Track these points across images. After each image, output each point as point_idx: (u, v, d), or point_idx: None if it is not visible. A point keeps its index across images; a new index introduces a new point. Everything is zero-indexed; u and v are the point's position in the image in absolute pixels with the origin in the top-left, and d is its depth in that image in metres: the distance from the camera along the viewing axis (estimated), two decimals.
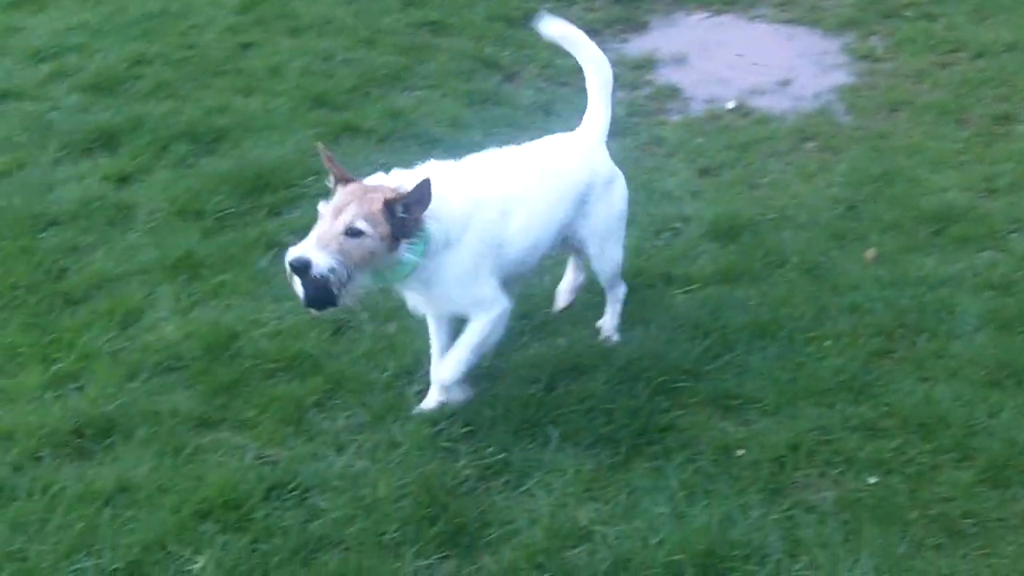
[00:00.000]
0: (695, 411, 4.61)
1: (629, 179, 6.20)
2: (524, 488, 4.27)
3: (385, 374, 4.83)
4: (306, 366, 4.89)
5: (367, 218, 4.14)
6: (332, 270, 4.09)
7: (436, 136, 6.87)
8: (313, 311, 4.26)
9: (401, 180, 4.30)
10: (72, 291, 5.41)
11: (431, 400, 4.66)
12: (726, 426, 4.54)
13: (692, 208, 6.04)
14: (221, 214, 6.00)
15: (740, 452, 4.38)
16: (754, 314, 5.11)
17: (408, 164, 4.46)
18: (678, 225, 5.93)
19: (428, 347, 4.74)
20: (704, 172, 6.57)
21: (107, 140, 6.72)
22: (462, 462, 4.39)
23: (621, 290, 5.07)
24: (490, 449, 4.43)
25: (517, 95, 7.44)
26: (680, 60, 8.07)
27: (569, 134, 4.98)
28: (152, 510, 4.18)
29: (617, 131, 6.83)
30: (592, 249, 4.88)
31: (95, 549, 4.03)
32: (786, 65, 7.98)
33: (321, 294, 4.13)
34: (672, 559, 3.90)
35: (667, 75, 7.83)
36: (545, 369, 4.80)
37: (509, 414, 4.56)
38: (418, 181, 4.19)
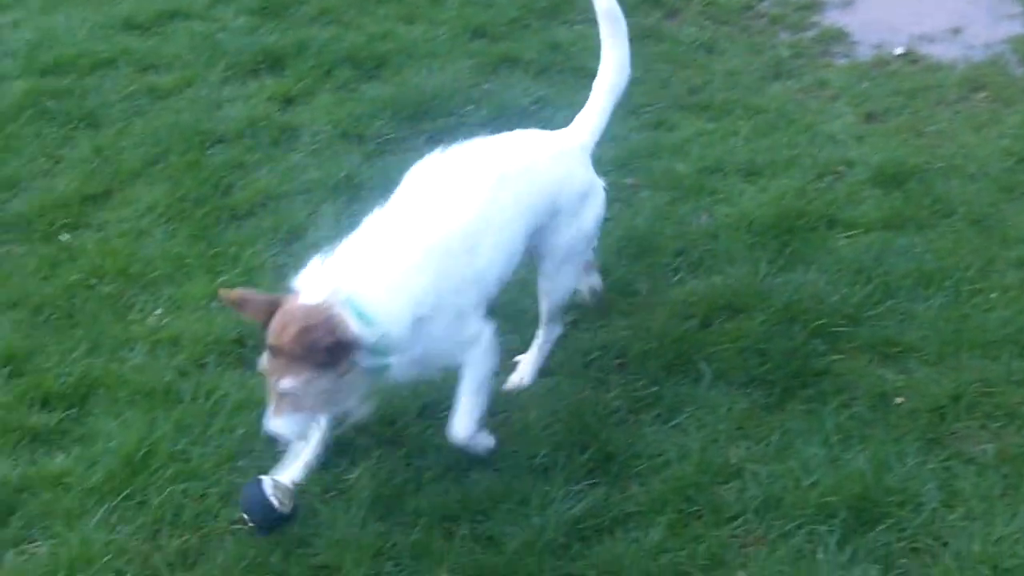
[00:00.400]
0: (853, 357, 4.52)
1: (791, 121, 6.16)
2: (675, 423, 4.25)
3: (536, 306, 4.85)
4: None
5: (288, 375, 3.62)
6: (295, 433, 3.77)
7: (594, 70, 6.79)
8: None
9: (342, 274, 3.72)
10: (238, 206, 5.56)
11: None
12: (884, 373, 4.45)
13: (856, 153, 5.88)
14: (381, 139, 6.07)
15: (899, 400, 4.29)
16: (918, 262, 4.97)
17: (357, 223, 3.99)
18: (841, 169, 5.78)
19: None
20: (869, 117, 6.38)
21: (273, 62, 6.83)
22: (613, 393, 4.40)
23: (556, 330, 4.48)
24: (641, 382, 4.43)
25: (678, 32, 7.31)
26: (848, 3, 7.83)
27: (551, 133, 4.41)
28: None
29: (780, 72, 6.77)
30: (546, 266, 4.29)
31: (255, 454, 4.17)
32: (958, 13, 7.66)
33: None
34: (825, 501, 3.85)
35: (834, 18, 7.60)
36: (700, 306, 4.76)
37: (662, 348, 4.54)
38: (292, 321, 3.59)
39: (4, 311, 4.96)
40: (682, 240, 5.13)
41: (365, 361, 3.69)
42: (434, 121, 6.23)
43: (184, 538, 3.91)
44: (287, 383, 3.62)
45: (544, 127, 6.08)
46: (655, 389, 4.40)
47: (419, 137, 6.09)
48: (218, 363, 4.61)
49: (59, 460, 4.23)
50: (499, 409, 4.32)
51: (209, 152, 6.01)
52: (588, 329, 4.71)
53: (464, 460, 4.09)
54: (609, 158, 5.84)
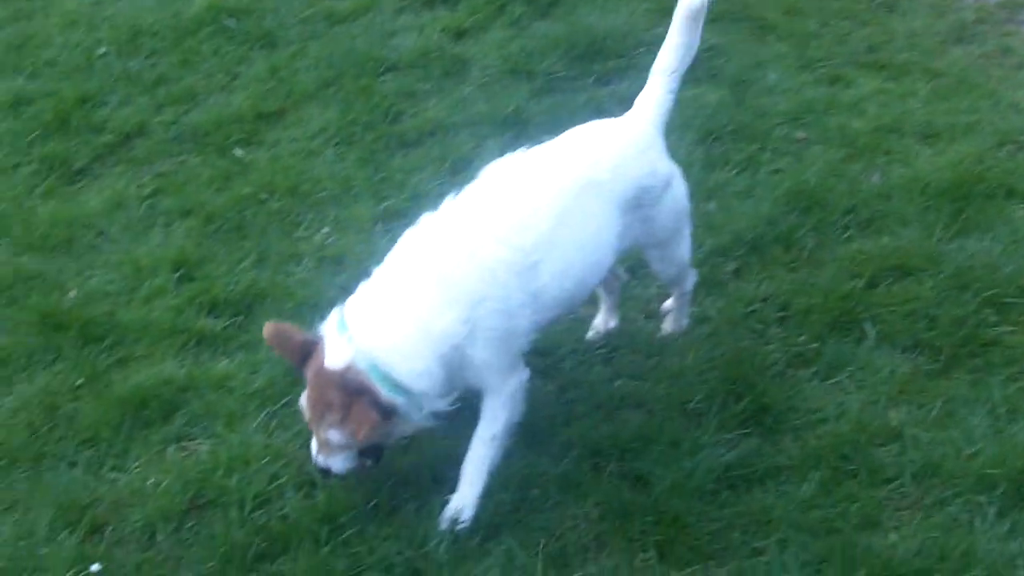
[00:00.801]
0: None
1: (973, 86, 5.93)
2: (834, 380, 4.17)
3: (701, 249, 4.79)
4: None
5: (335, 429, 3.60)
6: (347, 470, 3.72)
7: (769, 21, 6.67)
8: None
9: (361, 334, 3.57)
10: (406, 134, 5.62)
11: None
12: None
13: None
14: (551, 76, 6.05)
15: None
16: None
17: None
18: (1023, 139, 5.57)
19: (745, 228, 4.67)
20: None
21: None
22: (772, 346, 4.33)
23: (690, 281, 4.37)
24: (802, 338, 4.35)
25: None
26: None
27: (617, 121, 4.07)
28: None
29: (963, 36, 6.51)
30: (654, 254, 4.17)
31: None
32: None
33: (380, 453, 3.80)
34: (986, 472, 3.73)
35: None
36: (868, 265, 4.63)
37: (826, 305, 4.44)
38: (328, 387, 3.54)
39: (178, 218, 5.14)
40: (853, 198, 5.00)
41: (404, 415, 3.60)
42: (604, 62, 6.18)
43: None
44: (334, 436, 3.61)
45: (713, 76, 6.07)
46: (816, 346, 4.31)
47: (588, 77, 6.07)
48: None
49: (223, 364, 4.37)
50: (654, 351, 4.30)
51: (381, 79, 6.09)
52: (751, 280, 4.64)
53: (616, 398, 4.09)
54: (780, 111, 5.76)
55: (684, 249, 4.20)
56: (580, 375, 4.21)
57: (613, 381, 4.18)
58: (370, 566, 3.55)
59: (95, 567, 3.62)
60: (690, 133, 5.58)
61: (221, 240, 4.99)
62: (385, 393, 3.53)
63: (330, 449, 3.66)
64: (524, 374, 3.77)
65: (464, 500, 3.71)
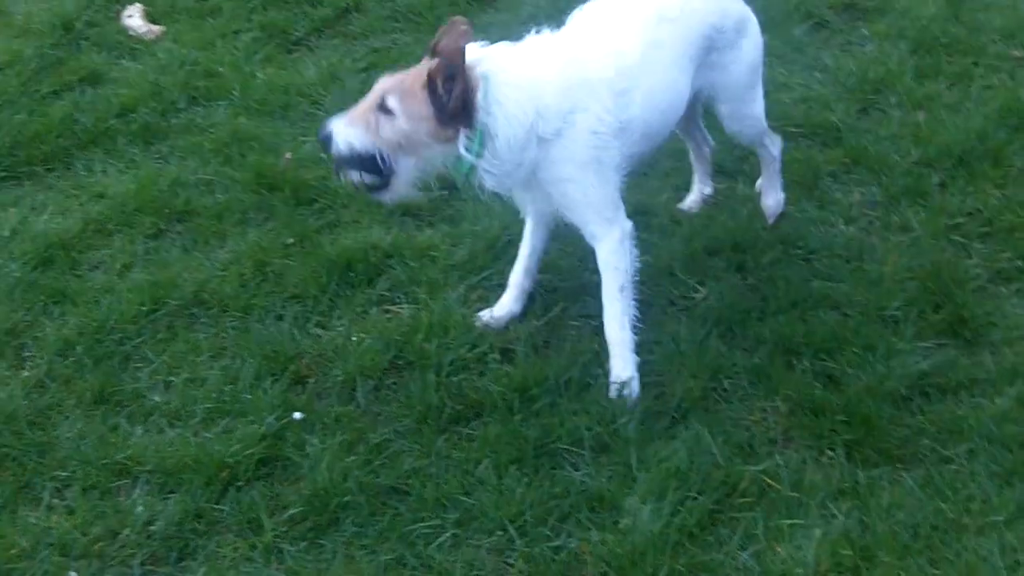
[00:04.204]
0: None
1: None
2: None
3: (907, 159, 4.72)
4: (828, 136, 4.89)
5: (401, 95, 3.61)
6: (351, 147, 3.63)
7: None
8: (374, 196, 3.84)
9: (496, 56, 3.66)
10: None
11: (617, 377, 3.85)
12: None
13: None
14: None
15: None
16: None
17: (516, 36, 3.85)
18: None
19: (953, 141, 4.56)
20: None
21: None
22: (973, 260, 4.28)
23: (775, 146, 4.36)
24: (1006, 255, 4.29)
25: None
26: None
27: None
28: (665, 237, 4.39)
29: None
30: (725, 108, 4.15)
31: None
32: None
33: (369, 176, 3.70)
34: None
35: None
36: None
37: None
38: (449, 51, 3.55)
39: None
40: None
41: (462, 143, 3.63)
42: None
43: (535, 323, 4.11)
44: (392, 101, 3.61)
45: None
46: (1020, 263, 4.24)
47: None
48: None
49: (427, 234, 4.51)
50: (852, 256, 4.28)
51: None
52: (956, 194, 4.56)
53: (812, 298, 4.09)
54: (996, 27, 5.58)
55: (758, 107, 4.21)
56: (777, 272, 4.21)
57: (809, 282, 4.17)
58: (559, 438, 3.66)
59: (297, 415, 3.80)
60: (903, 43, 5.47)
61: None
62: (480, 97, 3.57)
63: (362, 118, 3.63)
64: (627, 224, 3.82)
65: (622, 366, 3.81)
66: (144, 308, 4.22)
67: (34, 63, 5.62)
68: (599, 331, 3.98)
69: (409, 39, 5.67)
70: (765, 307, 4.08)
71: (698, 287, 4.19)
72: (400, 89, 3.63)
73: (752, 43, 4.10)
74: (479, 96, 3.58)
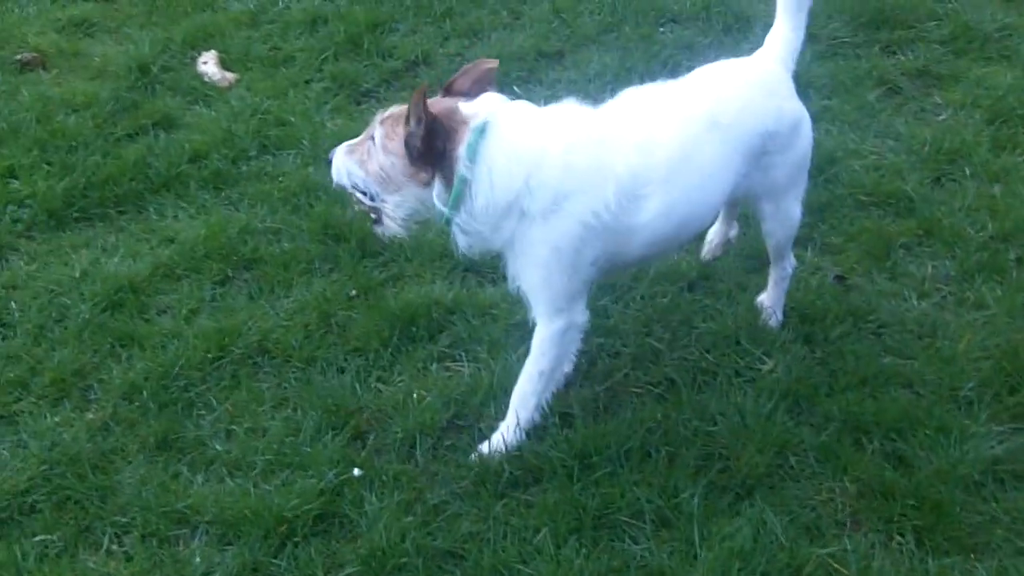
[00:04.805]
0: None
1: None
2: None
3: (982, 232, 4.63)
4: (901, 206, 4.80)
5: (386, 128, 3.58)
6: (339, 175, 3.67)
7: None
8: (373, 229, 3.79)
9: (506, 111, 3.53)
10: None
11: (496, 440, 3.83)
12: None
13: None
14: (835, 41, 5.91)
15: None
16: None
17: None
18: None
19: None
20: None
21: None
22: None
23: (790, 264, 4.17)
24: None
25: None
26: None
27: (747, 60, 3.89)
28: (731, 303, 4.33)
29: None
30: (767, 207, 3.93)
31: (672, 325, 4.26)
32: None
33: (367, 207, 3.71)
34: None
35: None
36: None
37: None
38: (416, 92, 3.46)
39: None
40: None
41: (435, 191, 3.53)
42: (892, 31, 6.00)
43: (596, 389, 4.06)
44: (378, 133, 3.57)
45: (1006, 56, 5.79)
46: None
47: (874, 45, 5.90)
48: None
49: (489, 291, 4.49)
50: (925, 332, 4.19)
51: (661, 29, 6.09)
52: None
53: (883, 375, 4.01)
54: None
55: (798, 206, 4.00)
56: (846, 346, 4.13)
57: (880, 357, 4.09)
58: (619, 509, 3.60)
59: (356, 472, 3.78)
60: (978, 112, 5.38)
61: None
62: (462, 147, 3.47)
63: (356, 150, 3.65)
64: (581, 318, 3.69)
65: (500, 440, 3.78)
66: (209, 355, 4.24)
67: (109, 105, 5.69)
68: (662, 399, 3.94)
69: None
70: (834, 382, 4.00)
71: (764, 358, 4.11)
72: (389, 121, 3.60)
73: (804, 142, 3.88)
74: (460, 147, 3.47)
